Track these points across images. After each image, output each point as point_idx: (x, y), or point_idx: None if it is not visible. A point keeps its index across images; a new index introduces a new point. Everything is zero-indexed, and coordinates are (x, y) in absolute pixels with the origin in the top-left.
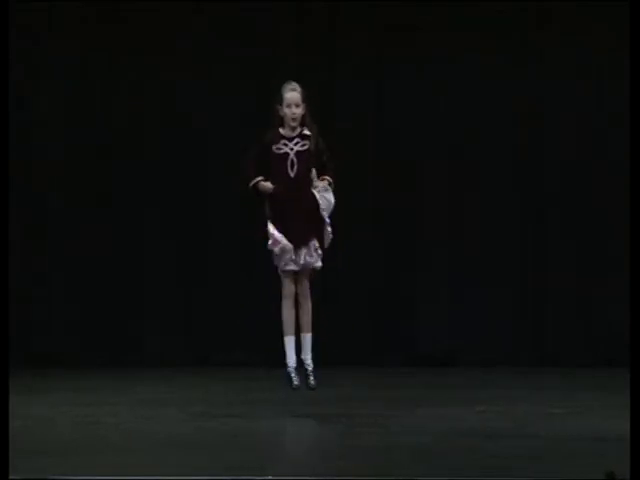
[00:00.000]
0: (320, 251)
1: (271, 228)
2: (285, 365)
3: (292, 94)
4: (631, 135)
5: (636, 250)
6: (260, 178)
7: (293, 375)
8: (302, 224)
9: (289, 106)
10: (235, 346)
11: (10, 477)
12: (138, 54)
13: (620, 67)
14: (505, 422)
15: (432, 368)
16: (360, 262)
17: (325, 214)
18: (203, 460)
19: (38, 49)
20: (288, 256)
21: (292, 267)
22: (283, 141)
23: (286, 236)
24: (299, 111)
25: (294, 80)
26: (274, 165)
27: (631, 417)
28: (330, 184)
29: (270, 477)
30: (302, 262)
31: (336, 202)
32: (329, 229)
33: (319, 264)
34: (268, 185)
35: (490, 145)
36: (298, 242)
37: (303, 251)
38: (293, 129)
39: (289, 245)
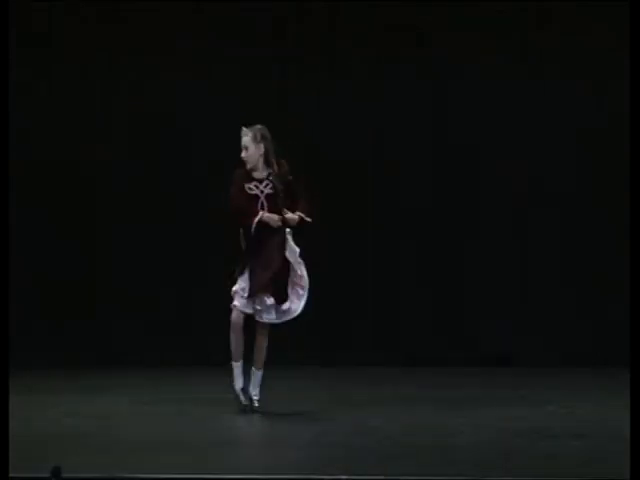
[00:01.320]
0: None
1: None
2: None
3: (242, 139)
4: (631, 135)
5: (636, 250)
6: (262, 213)
7: (241, 397)
8: (267, 271)
9: (241, 150)
10: None
11: (10, 475)
12: (138, 54)
13: (620, 67)
14: (570, 422)
15: (493, 368)
16: (423, 261)
17: (293, 261)
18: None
19: (38, 49)
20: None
21: (247, 310)
22: (254, 182)
23: (250, 281)
24: (247, 154)
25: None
26: (247, 203)
27: (631, 417)
28: (303, 219)
29: (344, 477)
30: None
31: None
32: (301, 278)
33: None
34: (273, 216)
35: (490, 145)
36: (258, 289)
37: (265, 301)
38: (260, 170)
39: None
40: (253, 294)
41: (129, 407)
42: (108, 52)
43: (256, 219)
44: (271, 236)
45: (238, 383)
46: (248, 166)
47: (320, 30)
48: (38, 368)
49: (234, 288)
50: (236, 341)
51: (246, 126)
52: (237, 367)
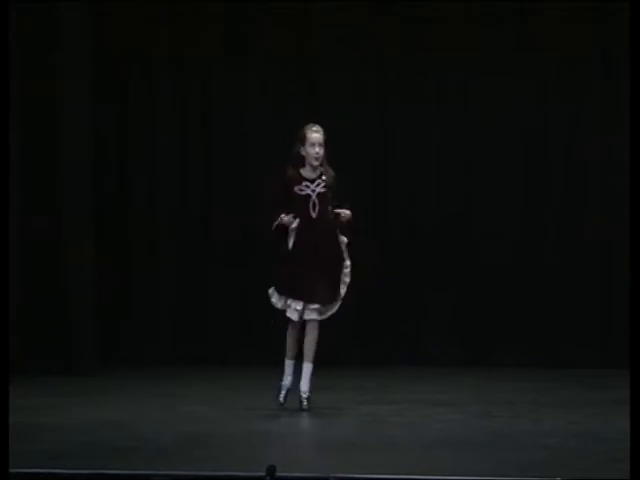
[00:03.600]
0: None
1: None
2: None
3: (316, 135)
4: (631, 135)
5: (636, 251)
6: (282, 216)
7: (282, 392)
8: (317, 277)
9: (313, 145)
10: None
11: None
12: (138, 54)
13: (621, 67)
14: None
15: None
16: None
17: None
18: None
19: (38, 49)
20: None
21: (294, 317)
22: (305, 183)
23: (296, 286)
24: (322, 151)
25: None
26: (296, 205)
27: (631, 417)
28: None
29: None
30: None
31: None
32: (346, 279)
33: (323, 317)
34: (289, 218)
35: (494, 143)
36: (307, 296)
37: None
38: (314, 170)
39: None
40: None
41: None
42: (108, 52)
43: (274, 225)
44: (320, 237)
45: (286, 380)
46: (316, 163)
47: (320, 30)
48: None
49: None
50: (289, 338)
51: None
52: (288, 365)
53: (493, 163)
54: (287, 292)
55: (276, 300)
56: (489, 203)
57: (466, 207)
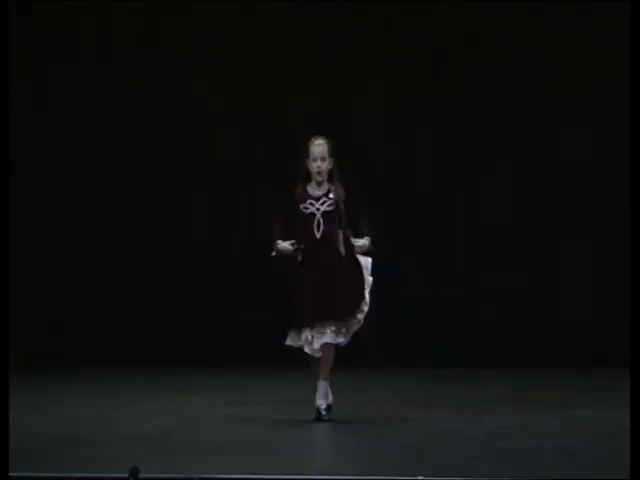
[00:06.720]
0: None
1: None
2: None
3: (318, 148)
4: (631, 135)
5: (636, 251)
6: (278, 242)
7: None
8: (321, 296)
9: (315, 160)
10: None
11: (10, 474)
12: (138, 54)
13: (621, 66)
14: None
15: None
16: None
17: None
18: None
19: (39, 49)
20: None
21: (306, 349)
22: (310, 201)
23: (304, 307)
24: (324, 165)
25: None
26: (301, 224)
27: (631, 417)
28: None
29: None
30: (316, 346)
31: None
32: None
33: (340, 340)
34: (286, 246)
35: (503, 143)
36: (312, 318)
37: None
38: (319, 185)
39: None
40: (306, 325)
41: (209, 408)
42: (108, 52)
43: (274, 251)
44: (326, 257)
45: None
46: (319, 178)
47: (320, 30)
48: (120, 368)
49: None
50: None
51: (320, 135)
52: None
53: None
54: (297, 324)
55: (291, 340)
56: None
57: None
